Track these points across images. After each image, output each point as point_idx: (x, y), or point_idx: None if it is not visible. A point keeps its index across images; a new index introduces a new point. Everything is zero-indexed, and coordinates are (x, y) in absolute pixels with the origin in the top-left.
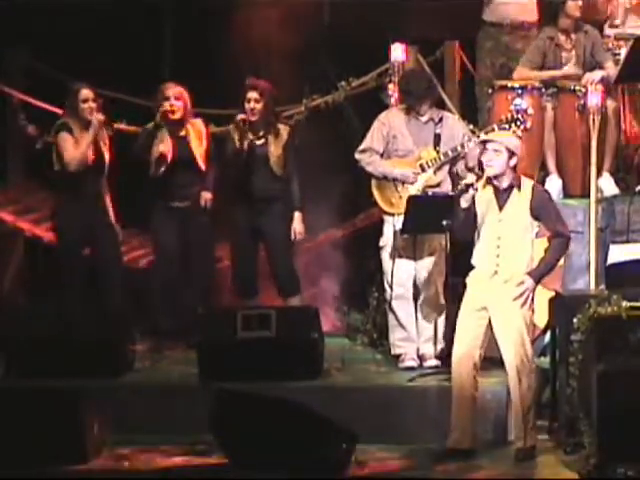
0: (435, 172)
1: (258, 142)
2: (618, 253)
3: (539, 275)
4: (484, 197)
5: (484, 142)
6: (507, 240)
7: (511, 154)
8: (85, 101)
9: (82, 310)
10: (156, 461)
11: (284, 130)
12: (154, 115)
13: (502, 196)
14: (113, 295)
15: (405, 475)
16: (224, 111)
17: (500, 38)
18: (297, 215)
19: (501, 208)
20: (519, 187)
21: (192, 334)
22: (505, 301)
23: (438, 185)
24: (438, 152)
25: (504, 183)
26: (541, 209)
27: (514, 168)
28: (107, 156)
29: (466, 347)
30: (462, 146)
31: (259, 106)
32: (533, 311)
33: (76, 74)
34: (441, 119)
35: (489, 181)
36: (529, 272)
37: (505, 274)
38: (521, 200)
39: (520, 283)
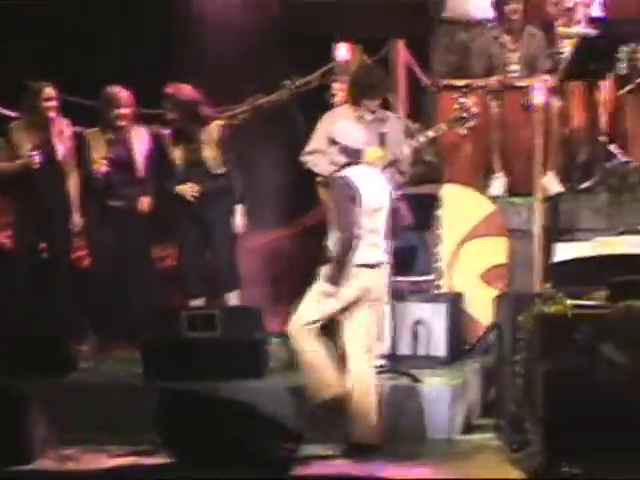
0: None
1: (191, 146)
2: (563, 251)
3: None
4: None
5: None
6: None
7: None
8: (48, 100)
9: (27, 308)
10: (100, 461)
11: (214, 129)
12: (97, 117)
13: None
14: (59, 294)
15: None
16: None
17: (456, 35)
18: (239, 208)
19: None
20: None
21: (136, 334)
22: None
23: None
24: (384, 151)
25: None
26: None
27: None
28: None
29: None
30: (408, 145)
31: (176, 116)
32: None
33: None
34: (386, 118)
35: None
36: None
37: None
38: None
39: None
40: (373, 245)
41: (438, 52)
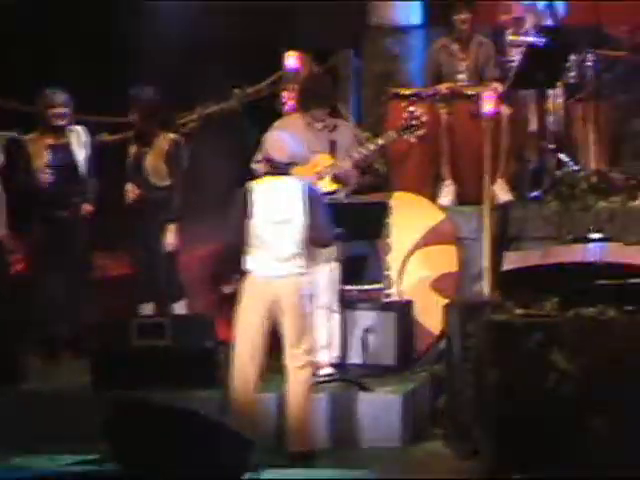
0: (332, 180)
1: (140, 151)
2: (513, 260)
3: None
4: None
5: None
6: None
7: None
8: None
9: None
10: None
11: (164, 140)
12: (34, 121)
13: None
14: (3, 304)
15: None
16: (119, 119)
17: (380, 42)
18: (171, 227)
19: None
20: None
21: (84, 342)
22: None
23: (333, 192)
24: (334, 159)
25: None
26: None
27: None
28: None
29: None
30: (359, 152)
31: (137, 118)
32: None
33: None
34: (336, 126)
35: None
36: None
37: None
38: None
39: None
40: (275, 257)
41: (366, 60)
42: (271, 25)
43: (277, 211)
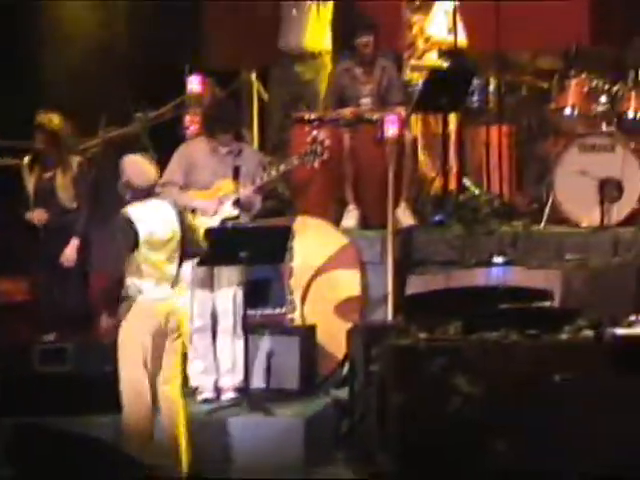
0: (234, 205)
1: (46, 175)
2: (416, 284)
3: None
4: None
5: None
6: None
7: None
8: None
9: None
10: None
11: (74, 162)
12: None
13: None
14: None
15: None
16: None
17: (291, 67)
18: (73, 241)
19: None
20: None
21: None
22: None
23: (237, 217)
24: (237, 184)
25: None
26: None
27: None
28: None
29: None
30: (261, 178)
31: (46, 142)
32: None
33: None
34: (241, 151)
35: None
36: None
37: None
38: None
39: None
40: (159, 278)
41: (274, 84)
42: (174, 48)
43: (156, 233)
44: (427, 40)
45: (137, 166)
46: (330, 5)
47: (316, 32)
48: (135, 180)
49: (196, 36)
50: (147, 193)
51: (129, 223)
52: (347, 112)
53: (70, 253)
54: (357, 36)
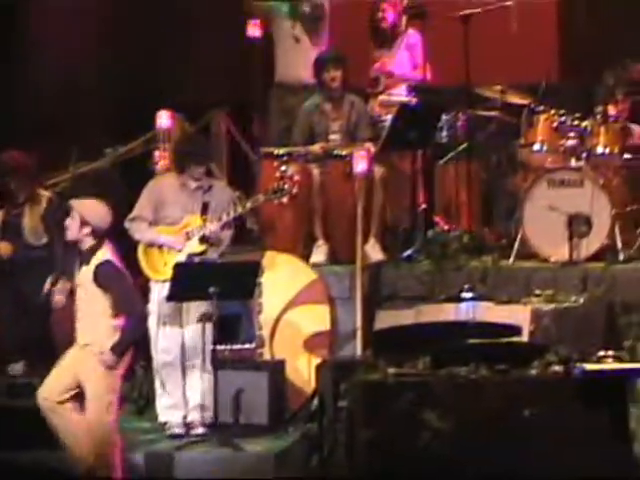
0: (202, 240)
1: (15, 211)
2: (385, 319)
3: (120, 351)
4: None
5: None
6: (83, 305)
7: (84, 222)
8: None
9: None
10: None
11: (44, 197)
12: None
13: (82, 263)
14: None
15: None
16: None
17: (286, 100)
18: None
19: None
20: (88, 260)
21: None
22: (88, 366)
23: (204, 252)
24: (205, 220)
25: (82, 250)
26: (105, 285)
27: (93, 235)
28: None
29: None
30: (227, 214)
31: (14, 179)
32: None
33: None
34: (211, 187)
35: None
36: (112, 347)
37: (84, 339)
38: (88, 272)
39: (100, 353)
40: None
41: (271, 117)
42: (143, 83)
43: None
44: (390, 76)
45: (96, 209)
46: (323, 36)
47: (310, 73)
48: (98, 223)
49: (166, 71)
50: (104, 234)
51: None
52: (316, 148)
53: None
54: (325, 70)
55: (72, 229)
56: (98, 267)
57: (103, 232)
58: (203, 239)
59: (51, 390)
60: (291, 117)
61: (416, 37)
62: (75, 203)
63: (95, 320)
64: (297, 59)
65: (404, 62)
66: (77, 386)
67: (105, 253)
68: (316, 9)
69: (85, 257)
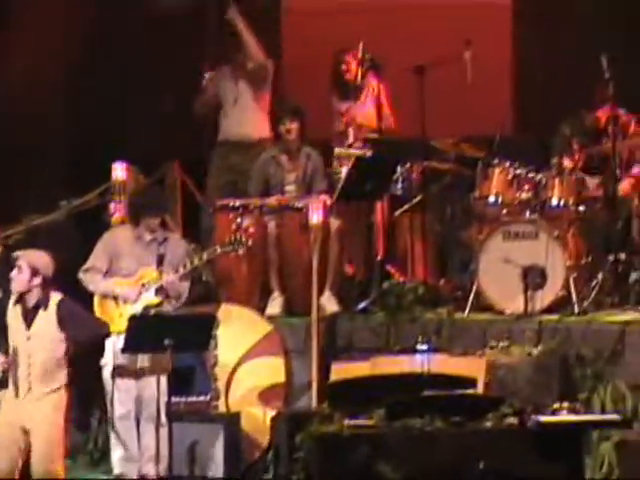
0: (157, 292)
1: None
2: (340, 371)
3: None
4: (13, 315)
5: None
6: (38, 358)
7: (34, 272)
8: None
9: None
10: None
11: None
12: None
13: (29, 314)
14: None
15: None
16: None
17: (229, 156)
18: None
19: (29, 326)
20: (45, 305)
21: None
22: (40, 419)
23: (160, 305)
24: (160, 272)
25: (30, 301)
26: (68, 322)
27: (42, 286)
28: None
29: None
30: (184, 266)
31: None
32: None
33: None
34: (166, 239)
35: (19, 299)
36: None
37: (38, 392)
38: (48, 316)
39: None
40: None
41: (212, 174)
42: (99, 135)
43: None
44: (360, 128)
45: (44, 258)
46: (268, 94)
47: (256, 122)
48: (47, 272)
49: (120, 124)
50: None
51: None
52: (272, 199)
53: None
54: (281, 122)
55: (21, 281)
56: (60, 303)
57: (49, 282)
58: (159, 291)
59: None
60: (233, 174)
61: (380, 88)
62: (23, 254)
63: (52, 367)
64: (239, 117)
65: (371, 113)
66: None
67: (57, 296)
68: (260, 69)
69: (40, 304)
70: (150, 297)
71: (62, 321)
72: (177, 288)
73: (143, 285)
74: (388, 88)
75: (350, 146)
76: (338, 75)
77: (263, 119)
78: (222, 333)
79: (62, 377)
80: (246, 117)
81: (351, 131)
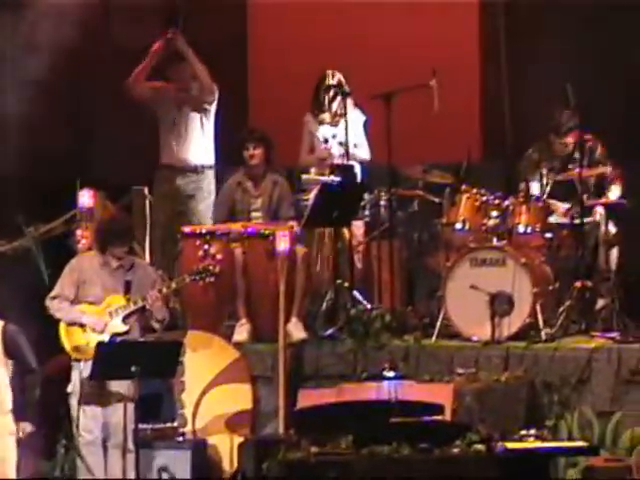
0: (124, 319)
1: None
2: (307, 398)
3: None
4: None
5: None
6: None
7: None
8: None
9: None
10: None
11: None
12: None
13: None
14: None
15: None
16: None
17: (174, 182)
18: None
19: None
20: None
21: None
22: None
23: (127, 332)
24: (128, 299)
25: None
26: (14, 341)
27: None
28: None
29: None
30: (151, 293)
31: None
32: None
33: None
34: (132, 265)
35: None
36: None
37: None
38: None
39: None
40: None
41: (157, 199)
42: (65, 162)
43: None
44: (335, 155)
45: None
46: (212, 120)
47: (200, 147)
48: None
49: (87, 150)
50: None
51: None
52: (238, 226)
53: None
54: (245, 148)
55: None
56: (4, 327)
57: None
58: (127, 318)
59: None
60: (179, 199)
61: (359, 115)
62: None
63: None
64: (180, 142)
65: (350, 139)
66: None
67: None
68: (205, 94)
69: None
70: (118, 324)
71: (7, 341)
72: (162, 310)
73: (110, 313)
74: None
75: (332, 173)
76: (320, 100)
77: (205, 145)
78: (189, 360)
79: (8, 401)
80: (187, 142)
81: (334, 156)
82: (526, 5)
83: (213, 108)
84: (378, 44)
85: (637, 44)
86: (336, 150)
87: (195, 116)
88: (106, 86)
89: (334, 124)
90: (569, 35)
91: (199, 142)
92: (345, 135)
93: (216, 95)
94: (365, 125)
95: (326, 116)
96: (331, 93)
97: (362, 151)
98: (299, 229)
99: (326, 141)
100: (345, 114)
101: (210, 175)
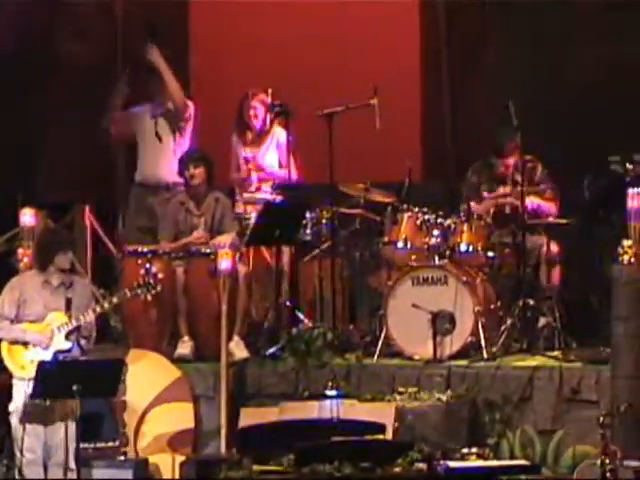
0: (66, 337)
1: None
2: (249, 417)
3: None
4: None
5: None
6: None
7: None
8: None
9: None
10: None
11: None
12: None
13: None
14: None
15: None
16: None
17: (145, 199)
18: None
19: None
20: None
21: None
22: None
23: (69, 350)
24: (70, 317)
25: None
26: None
27: None
28: None
29: None
30: (93, 311)
31: None
32: None
33: None
34: (72, 283)
35: None
36: None
37: None
38: None
39: None
40: None
41: (128, 215)
42: (7, 180)
43: None
44: (261, 173)
45: None
46: (187, 138)
47: (172, 164)
48: None
49: (29, 168)
50: None
51: None
52: (180, 245)
53: None
54: (186, 168)
55: None
56: None
57: None
58: (70, 335)
59: None
60: (150, 216)
61: (283, 135)
62: None
63: None
64: (157, 158)
65: (273, 160)
66: None
67: None
68: (180, 110)
69: None
70: (61, 341)
71: None
72: (91, 329)
73: (52, 330)
74: (292, 136)
75: (255, 192)
76: (244, 120)
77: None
78: (131, 378)
79: None
80: (162, 159)
81: (255, 177)
82: (468, 21)
83: (189, 126)
84: (317, 62)
85: (580, 60)
86: (255, 172)
87: (170, 134)
88: (49, 102)
89: (256, 145)
90: (513, 52)
91: (172, 160)
92: (265, 156)
93: (190, 111)
94: (289, 144)
95: (249, 136)
96: (252, 113)
97: (285, 171)
98: (241, 247)
99: (247, 161)
100: (268, 134)
101: (182, 192)
